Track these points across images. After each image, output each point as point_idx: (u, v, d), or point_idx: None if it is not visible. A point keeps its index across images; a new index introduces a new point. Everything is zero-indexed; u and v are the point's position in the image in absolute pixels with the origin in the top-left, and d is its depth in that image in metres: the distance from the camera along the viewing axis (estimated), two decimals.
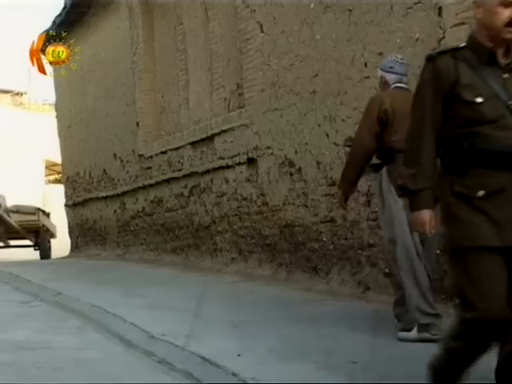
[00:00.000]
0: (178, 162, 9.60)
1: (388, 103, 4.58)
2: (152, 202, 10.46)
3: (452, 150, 2.76)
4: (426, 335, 4.23)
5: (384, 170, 4.58)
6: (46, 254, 15.87)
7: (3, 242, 15.68)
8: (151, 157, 10.43)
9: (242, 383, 3.46)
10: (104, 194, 12.29)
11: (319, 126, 6.57)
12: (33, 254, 15.81)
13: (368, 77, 5.91)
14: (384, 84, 4.83)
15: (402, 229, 4.44)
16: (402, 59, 4.83)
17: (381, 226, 5.02)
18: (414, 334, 4.32)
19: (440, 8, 5.14)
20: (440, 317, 4.40)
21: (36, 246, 16.19)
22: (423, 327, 4.29)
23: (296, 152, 6.97)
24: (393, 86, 4.75)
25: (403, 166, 2.93)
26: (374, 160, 4.69)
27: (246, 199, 7.89)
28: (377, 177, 4.68)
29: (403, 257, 4.48)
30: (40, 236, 16.10)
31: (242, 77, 8.05)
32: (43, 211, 16.53)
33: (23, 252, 15.74)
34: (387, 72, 4.80)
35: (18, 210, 15.72)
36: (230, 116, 8.36)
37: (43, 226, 16.04)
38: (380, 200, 4.69)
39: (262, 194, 7.59)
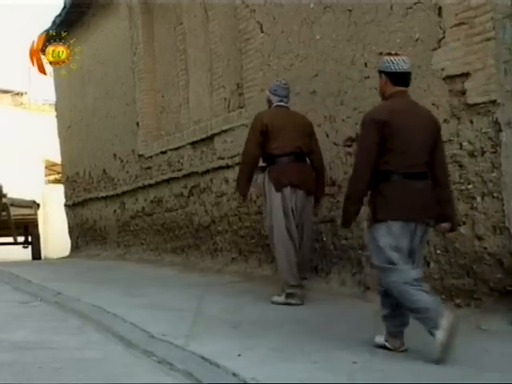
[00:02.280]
0: (178, 162, 9.60)
1: (268, 119, 5.95)
2: (152, 202, 10.46)
3: None
4: (290, 301, 5.71)
5: (267, 170, 5.91)
6: (39, 253, 15.09)
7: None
8: (151, 157, 10.43)
9: (242, 383, 3.46)
10: (104, 194, 12.28)
11: (319, 125, 6.57)
12: (19, 253, 15.19)
13: (368, 77, 5.91)
14: (269, 102, 6.22)
15: (278, 217, 5.77)
16: (284, 84, 6.20)
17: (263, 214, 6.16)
18: (282, 299, 5.76)
19: (440, 8, 5.14)
20: (303, 287, 5.81)
21: (26, 243, 15.25)
22: (289, 295, 5.75)
23: None
24: (274, 105, 6.14)
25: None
26: (261, 163, 6.01)
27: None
28: (263, 175, 5.94)
29: (278, 239, 5.80)
30: (32, 232, 15.23)
31: (241, 77, 8.05)
32: (38, 204, 15.82)
33: (11, 251, 15.33)
34: (272, 94, 6.18)
35: (12, 203, 14.68)
36: (230, 116, 8.36)
37: (37, 220, 15.32)
38: (264, 193, 5.96)
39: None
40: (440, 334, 3.78)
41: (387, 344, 4.14)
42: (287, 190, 5.83)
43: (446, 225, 4.28)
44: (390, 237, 4.03)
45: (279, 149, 5.89)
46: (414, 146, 4.10)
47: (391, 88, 4.30)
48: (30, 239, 15.25)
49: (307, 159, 6.07)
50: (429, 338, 3.83)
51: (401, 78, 4.28)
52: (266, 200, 5.97)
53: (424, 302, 3.90)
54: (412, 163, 4.09)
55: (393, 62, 4.29)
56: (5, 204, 14.11)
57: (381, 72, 4.37)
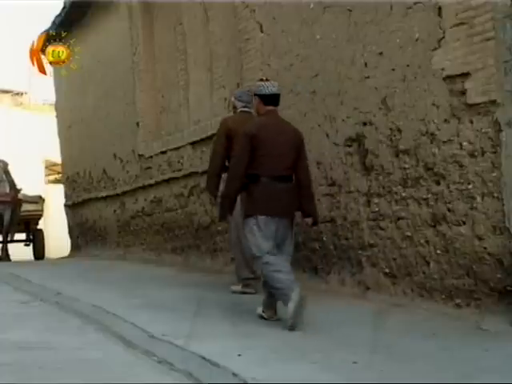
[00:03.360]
0: (178, 162, 9.60)
1: (231, 123, 6.41)
2: (152, 202, 10.45)
3: None
4: (246, 290, 6.36)
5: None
6: (42, 251, 14.56)
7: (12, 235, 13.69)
8: (151, 157, 10.43)
9: (242, 383, 3.46)
10: (104, 194, 12.28)
11: (319, 125, 6.57)
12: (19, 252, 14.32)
13: (368, 77, 5.91)
14: (234, 108, 6.76)
15: (236, 219, 6.11)
16: (248, 91, 6.56)
17: None
18: (239, 288, 6.43)
19: (440, 8, 5.14)
20: (257, 279, 5.97)
21: (28, 241, 14.69)
22: (245, 286, 6.41)
23: None
24: (239, 110, 6.63)
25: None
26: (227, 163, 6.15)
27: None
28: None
29: (236, 239, 6.40)
30: (36, 230, 14.75)
31: (241, 77, 8.05)
32: (43, 199, 15.16)
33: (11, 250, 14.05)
34: (237, 100, 6.68)
35: (20, 199, 13.69)
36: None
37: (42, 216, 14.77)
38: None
39: None
40: (291, 305, 4.64)
41: (263, 314, 5.12)
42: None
43: (308, 219, 5.26)
44: (258, 229, 4.98)
45: None
46: (277, 154, 5.05)
47: (263, 107, 5.26)
48: (31, 237, 14.75)
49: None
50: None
51: (270, 99, 5.24)
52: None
53: (282, 281, 4.81)
54: (276, 168, 5.05)
55: (263, 87, 5.25)
56: (19, 200, 13.53)
57: (255, 95, 5.34)
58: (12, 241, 13.69)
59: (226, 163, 6.37)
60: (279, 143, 5.08)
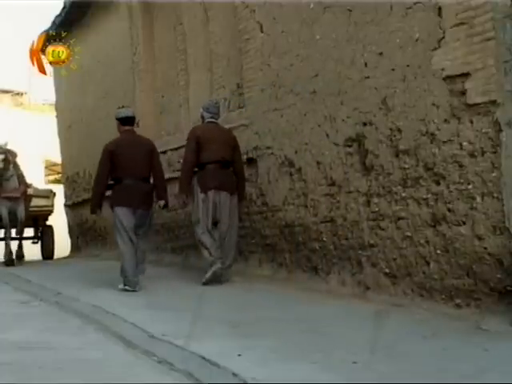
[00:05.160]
0: (178, 162, 9.58)
1: (200, 132, 7.33)
2: None
3: None
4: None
5: (196, 175, 7.25)
6: (51, 250, 13.46)
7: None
8: None
9: (242, 383, 3.46)
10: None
11: (319, 126, 6.57)
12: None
13: (368, 77, 5.91)
14: (202, 118, 7.56)
15: (200, 213, 7.14)
16: (216, 103, 7.64)
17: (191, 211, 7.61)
18: (209, 275, 7.04)
19: (440, 8, 5.14)
20: (223, 262, 7.09)
21: (36, 239, 13.51)
22: (212, 265, 7.04)
23: (296, 152, 6.97)
24: (206, 121, 7.47)
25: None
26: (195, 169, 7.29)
27: (245, 199, 7.89)
28: (194, 178, 7.27)
29: (200, 231, 7.18)
30: (45, 226, 13.53)
31: (241, 77, 8.05)
32: (54, 193, 13.87)
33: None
34: (204, 111, 7.48)
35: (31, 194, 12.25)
36: (230, 116, 8.36)
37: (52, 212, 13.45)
38: (193, 193, 7.28)
39: (262, 194, 7.59)
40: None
41: (127, 287, 6.78)
42: (211, 192, 7.14)
43: (161, 202, 7.27)
44: (120, 217, 6.88)
45: (207, 157, 7.20)
46: (131, 163, 6.92)
47: (121, 128, 7.18)
48: (39, 234, 13.56)
49: (230, 167, 7.36)
50: None
51: (126, 121, 7.17)
52: (193, 199, 7.30)
53: (126, 263, 6.84)
54: (131, 173, 6.92)
55: (120, 112, 7.26)
56: (30, 195, 12.17)
57: (116, 118, 7.21)
58: (18, 238, 11.87)
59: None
60: (134, 155, 6.97)
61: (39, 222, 13.44)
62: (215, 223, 7.20)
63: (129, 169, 6.90)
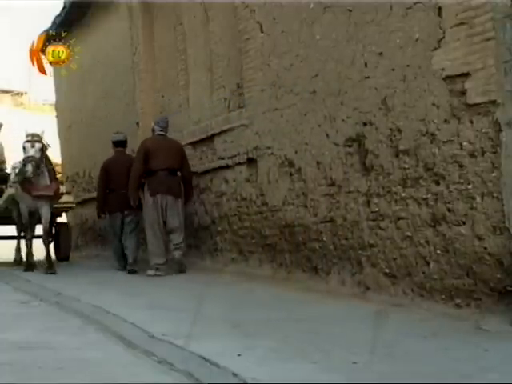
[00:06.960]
0: None
1: (149, 144, 8.62)
2: None
3: None
4: (158, 273, 8.23)
5: (146, 181, 8.51)
6: (67, 250, 11.66)
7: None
8: None
9: (242, 383, 3.46)
10: None
11: (319, 126, 6.57)
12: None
13: (368, 77, 5.91)
14: (152, 131, 8.84)
15: (151, 216, 8.42)
16: (166, 118, 9.02)
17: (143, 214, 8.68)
18: (152, 272, 8.27)
19: (440, 8, 5.14)
20: (166, 264, 8.35)
21: (51, 237, 10.64)
22: (157, 269, 8.27)
23: (296, 152, 6.97)
24: (156, 133, 8.75)
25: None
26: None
27: (245, 199, 7.90)
28: (144, 184, 8.53)
29: (150, 230, 8.46)
30: (59, 224, 11.88)
31: (241, 77, 8.05)
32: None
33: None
34: (155, 125, 8.79)
35: None
36: (230, 116, 8.37)
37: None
38: (144, 198, 8.55)
39: (262, 194, 7.60)
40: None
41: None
42: (159, 196, 8.34)
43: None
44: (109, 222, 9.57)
45: (156, 165, 8.39)
46: (121, 177, 8.90)
47: (115, 149, 9.44)
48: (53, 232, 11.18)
49: (178, 173, 8.56)
50: None
51: (118, 144, 9.45)
52: (144, 202, 8.52)
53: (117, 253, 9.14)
54: (121, 183, 8.91)
55: (114, 136, 9.53)
56: (61, 194, 10.60)
57: (111, 141, 9.49)
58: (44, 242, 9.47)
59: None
60: (122, 168, 8.87)
61: (54, 218, 11.10)
62: (164, 222, 8.39)
63: (118, 181, 8.92)
